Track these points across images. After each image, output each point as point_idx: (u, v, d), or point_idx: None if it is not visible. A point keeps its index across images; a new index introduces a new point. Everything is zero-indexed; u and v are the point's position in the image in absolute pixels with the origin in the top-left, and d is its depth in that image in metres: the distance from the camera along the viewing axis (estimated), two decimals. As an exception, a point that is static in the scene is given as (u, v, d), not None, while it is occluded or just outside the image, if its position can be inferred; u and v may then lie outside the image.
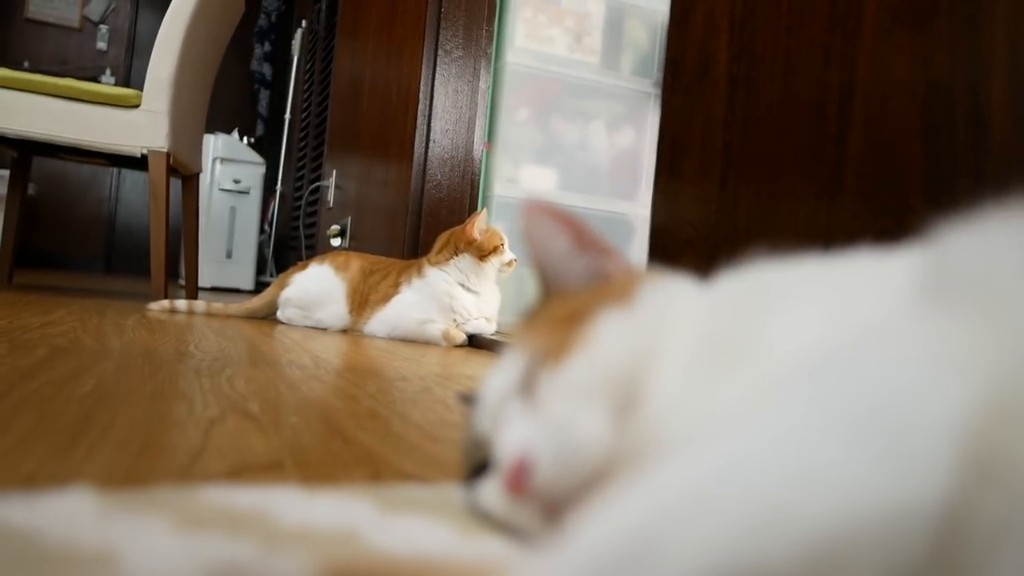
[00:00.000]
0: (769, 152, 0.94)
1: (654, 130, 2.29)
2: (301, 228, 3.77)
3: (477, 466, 0.37)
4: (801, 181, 0.89)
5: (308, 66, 4.24)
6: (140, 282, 3.70)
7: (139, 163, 2.18)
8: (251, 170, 4.15)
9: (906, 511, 0.20)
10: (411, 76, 2.25)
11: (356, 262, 1.87)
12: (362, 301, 1.81)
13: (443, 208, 2.16)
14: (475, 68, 2.19)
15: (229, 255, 4.09)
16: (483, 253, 1.73)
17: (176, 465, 0.47)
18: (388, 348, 1.50)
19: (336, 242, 2.83)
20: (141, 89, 2.11)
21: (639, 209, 2.30)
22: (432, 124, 2.16)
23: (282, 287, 1.89)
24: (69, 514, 0.32)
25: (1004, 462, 0.22)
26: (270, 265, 4.27)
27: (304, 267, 1.91)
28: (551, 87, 2.27)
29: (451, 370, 1.21)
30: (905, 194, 0.76)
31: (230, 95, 4.96)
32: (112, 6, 5.29)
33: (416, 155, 2.15)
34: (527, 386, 0.34)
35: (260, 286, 4.01)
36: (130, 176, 5.30)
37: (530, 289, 1.87)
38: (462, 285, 1.73)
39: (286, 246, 4.29)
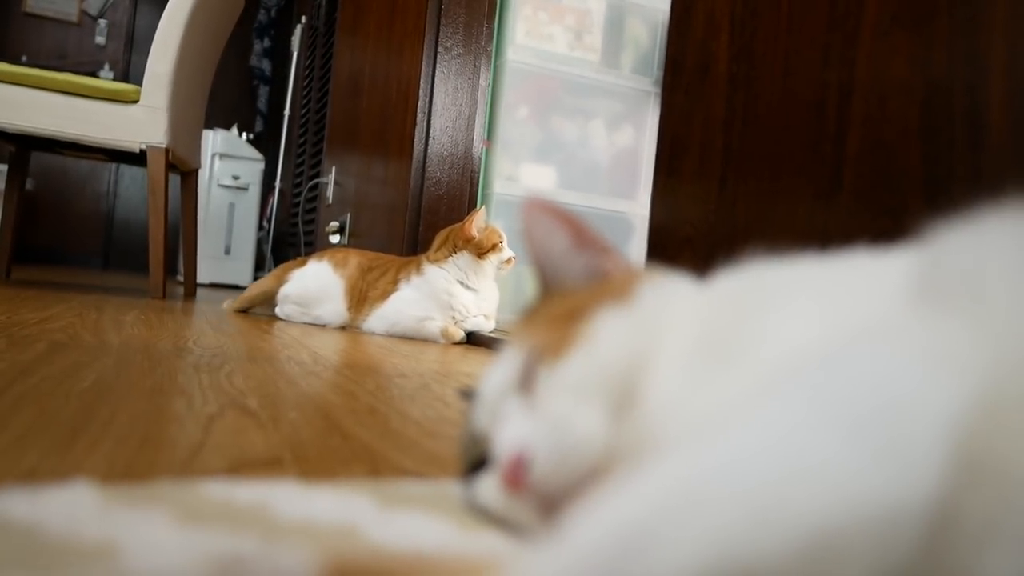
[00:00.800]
0: (768, 151, 0.94)
1: (654, 129, 2.30)
2: (300, 225, 3.77)
3: (475, 462, 0.37)
4: (800, 181, 0.89)
5: (308, 62, 4.24)
6: (138, 278, 3.70)
7: (138, 159, 2.18)
8: (250, 166, 4.14)
9: (900, 508, 0.20)
10: (411, 73, 2.25)
11: (355, 259, 1.88)
12: (361, 298, 1.81)
13: (442, 205, 2.16)
14: (475, 65, 2.19)
15: (228, 251, 4.09)
16: (482, 251, 1.73)
17: (176, 460, 0.47)
18: (386, 345, 1.51)
19: (335, 239, 2.83)
20: (140, 84, 2.11)
21: (638, 208, 2.30)
22: (432, 121, 2.16)
23: (280, 280, 1.89)
24: (70, 508, 0.32)
25: (995, 462, 0.23)
26: (268, 261, 4.27)
27: (303, 263, 1.91)
28: (551, 85, 2.27)
29: (450, 367, 1.21)
30: (903, 194, 0.76)
31: (229, 91, 4.95)
32: (111, 1, 5.28)
33: (416, 152, 2.15)
34: (525, 382, 0.34)
35: (258, 282, 3.99)
36: (128, 172, 5.29)
37: (529, 287, 1.87)
38: (461, 283, 1.74)
39: (285, 243, 4.29)
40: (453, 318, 1.73)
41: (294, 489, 0.39)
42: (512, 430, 0.33)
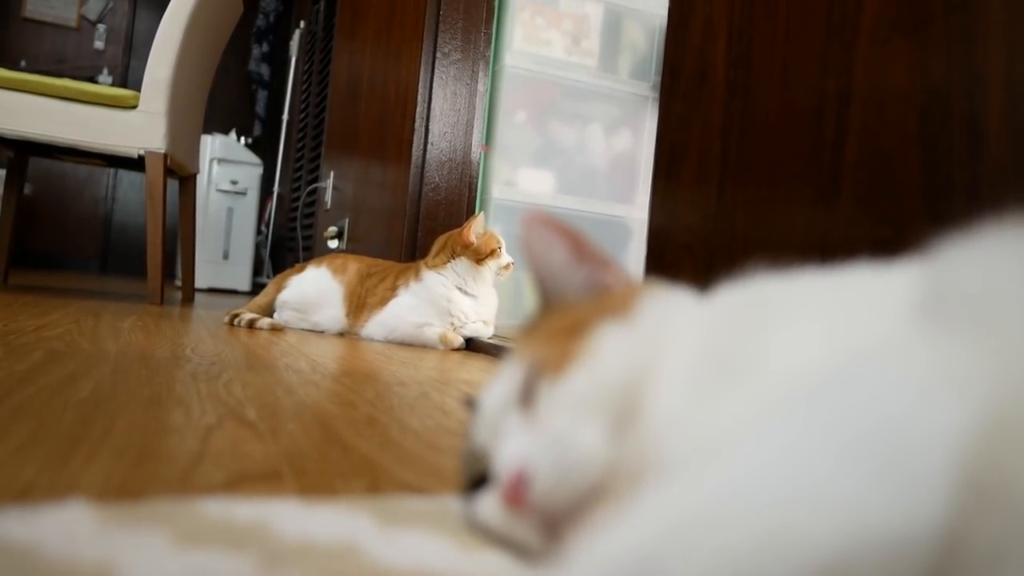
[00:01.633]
0: (766, 158, 0.94)
1: (651, 133, 2.30)
2: (298, 229, 3.77)
3: (475, 478, 0.37)
4: (798, 188, 0.89)
5: (306, 67, 4.24)
6: (136, 283, 3.69)
7: (136, 164, 2.18)
8: (248, 171, 4.14)
9: (904, 532, 0.20)
10: (409, 78, 2.25)
11: (353, 265, 1.87)
12: (359, 304, 1.81)
13: (441, 211, 2.16)
14: (473, 71, 2.19)
15: (226, 256, 4.09)
16: (480, 256, 1.73)
17: (174, 474, 0.47)
18: (385, 352, 1.50)
19: (333, 244, 2.83)
20: (138, 89, 2.11)
21: (636, 212, 2.30)
22: (430, 126, 2.16)
23: (280, 288, 1.89)
24: (68, 528, 0.32)
25: (1002, 482, 0.23)
26: (267, 266, 4.27)
27: (301, 269, 1.91)
28: (549, 90, 2.27)
29: (449, 375, 1.21)
30: (902, 202, 0.76)
31: (227, 96, 4.96)
32: (110, 5, 5.29)
33: (414, 157, 2.15)
34: (526, 398, 0.34)
35: (257, 287, 4.00)
36: (127, 176, 5.29)
37: (527, 293, 1.87)
38: (459, 288, 1.73)
39: (283, 247, 4.29)
40: (452, 324, 1.73)
41: (293, 506, 0.39)
42: (512, 447, 0.32)
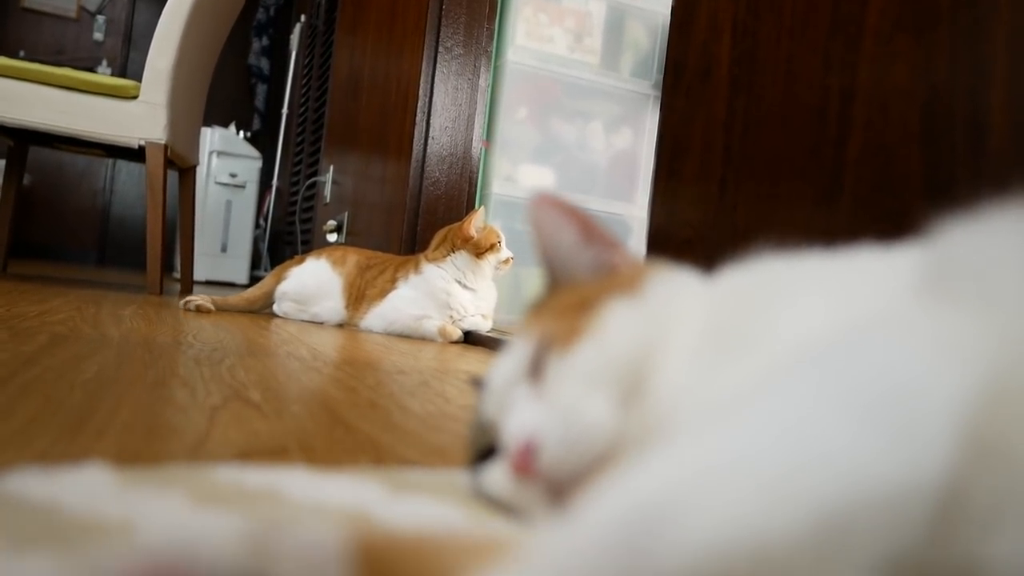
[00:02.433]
0: (769, 155, 0.95)
1: (652, 132, 2.31)
2: (297, 223, 3.77)
3: (483, 451, 0.38)
4: (801, 184, 0.90)
5: (307, 61, 4.24)
6: (134, 275, 3.69)
7: (135, 155, 2.18)
8: (247, 164, 4.14)
9: (909, 491, 0.21)
10: (411, 73, 2.25)
11: (353, 257, 1.88)
12: (358, 296, 1.81)
13: (441, 205, 2.16)
14: (475, 66, 2.20)
15: (224, 249, 4.09)
16: (480, 250, 1.74)
17: (183, 447, 0.48)
18: (384, 343, 1.51)
19: (332, 238, 2.83)
20: (138, 80, 2.10)
21: (635, 210, 2.31)
22: (431, 121, 2.16)
23: (279, 279, 1.89)
24: (87, 487, 0.32)
25: (1000, 447, 0.23)
26: (265, 260, 4.27)
27: (301, 261, 1.91)
28: (550, 87, 2.27)
29: (448, 365, 1.22)
30: (904, 199, 0.77)
31: (227, 89, 4.95)
32: (110, -3, 5.27)
33: (415, 152, 2.15)
34: (535, 371, 0.35)
35: (255, 280, 4.00)
36: (125, 167, 5.28)
37: (526, 287, 1.87)
38: (459, 282, 1.74)
39: (282, 241, 4.28)
40: (451, 317, 1.73)
41: (303, 474, 0.40)
42: (521, 417, 0.33)
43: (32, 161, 3.66)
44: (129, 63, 5.27)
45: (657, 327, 0.34)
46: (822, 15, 0.90)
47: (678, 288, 0.37)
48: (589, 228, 0.41)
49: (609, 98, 2.33)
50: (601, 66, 2.32)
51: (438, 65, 2.16)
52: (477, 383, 0.47)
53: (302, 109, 4.20)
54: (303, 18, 4.33)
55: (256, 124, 5.25)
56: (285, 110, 4.38)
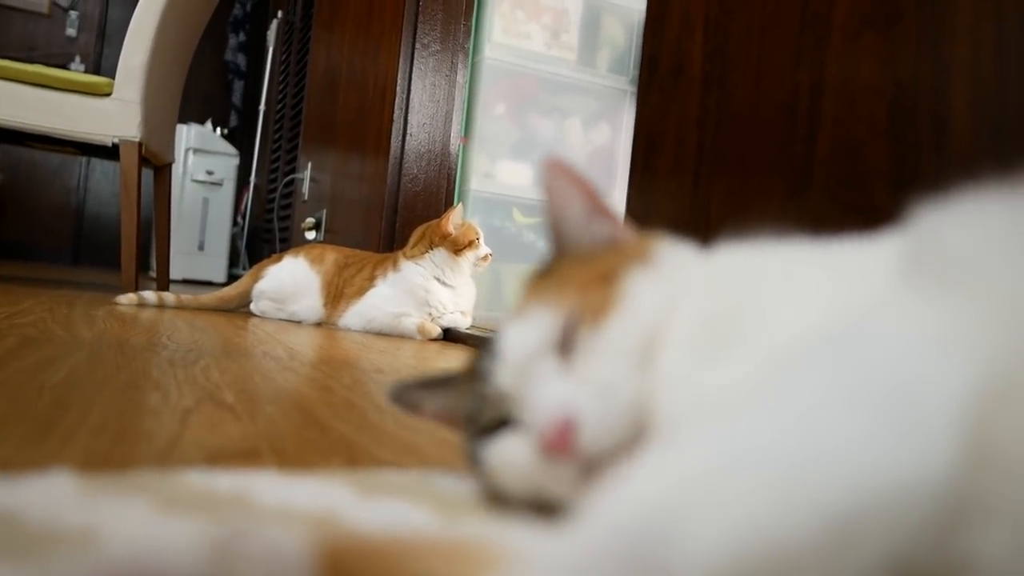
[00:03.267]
0: (741, 150, 0.96)
1: (629, 127, 2.31)
2: (275, 221, 3.74)
3: (490, 424, 0.37)
4: (772, 178, 0.91)
5: (283, 57, 4.21)
6: (109, 273, 3.64)
7: (110, 152, 2.15)
8: (224, 161, 4.10)
9: (918, 489, 0.21)
10: (388, 69, 2.24)
11: (331, 255, 1.87)
12: (337, 294, 1.80)
13: (419, 202, 2.16)
14: (452, 62, 2.19)
15: (201, 247, 4.05)
16: (458, 247, 1.73)
17: (153, 451, 0.48)
18: (363, 341, 1.50)
19: (311, 235, 2.81)
20: (111, 77, 2.08)
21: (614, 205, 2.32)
22: (409, 118, 2.16)
23: (256, 278, 1.88)
24: (50, 496, 0.32)
25: (1000, 443, 0.23)
26: (243, 258, 4.23)
27: (279, 259, 1.90)
28: (528, 83, 2.27)
29: (426, 363, 1.22)
30: (871, 193, 0.78)
31: (203, 85, 4.89)
32: (82, -8, 5.19)
33: (393, 149, 2.14)
34: (565, 345, 0.34)
35: (232, 279, 3.96)
36: (99, 165, 5.21)
37: (506, 283, 1.87)
38: (437, 279, 1.74)
39: (260, 239, 4.25)
40: (430, 314, 1.73)
41: (273, 478, 0.40)
42: (553, 392, 0.32)
43: (3, 159, 3.61)
44: (103, 59, 5.19)
45: (670, 297, 0.34)
46: (791, 12, 0.90)
47: (682, 257, 0.37)
48: (597, 200, 0.41)
49: (586, 94, 2.33)
50: (578, 62, 2.33)
51: (415, 62, 2.16)
52: (397, 397, 0.46)
53: (279, 106, 4.17)
54: (280, 14, 4.29)
55: (233, 121, 5.20)
56: (262, 106, 4.34)
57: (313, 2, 3.52)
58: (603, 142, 2.37)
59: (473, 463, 0.39)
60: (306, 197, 3.18)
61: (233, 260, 4.26)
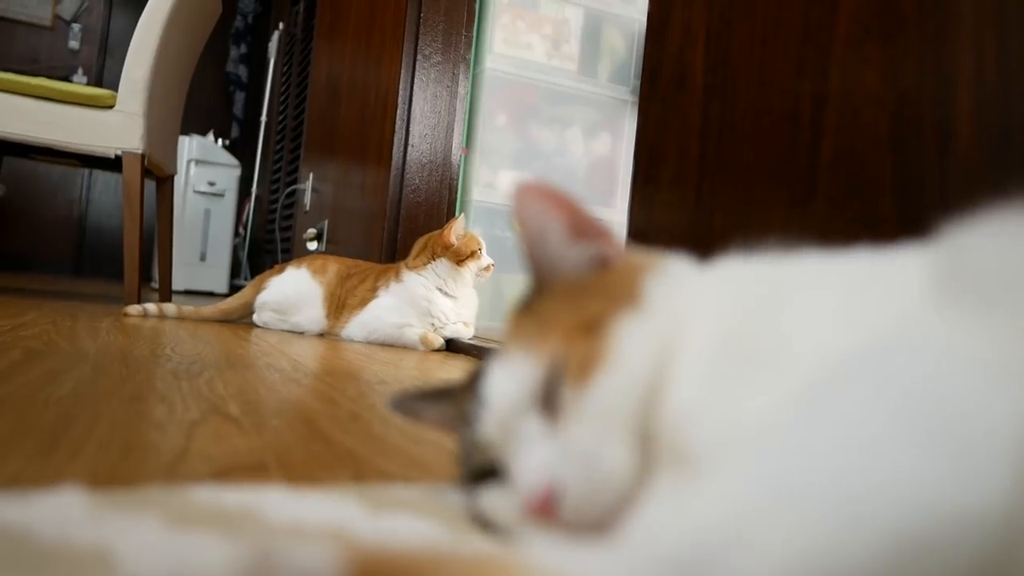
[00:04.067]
0: (744, 160, 0.96)
1: (630, 137, 2.32)
2: (277, 231, 3.75)
3: (479, 470, 0.36)
4: (775, 189, 0.91)
5: (285, 69, 4.22)
6: (111, 285, 3.65)
7: (112, 164, 2.16)
8: (226, 172, 4.11)
9: (977, 516, 0.21)
10: (390, 80, 2.25)
11: (333, 266, 1.87)
12: (339, 305, 1.80)
13: (421, 213, 2.16)
14: (454, 73, 2.20)
15: (203, 258, 4.05)
16: (460, 258, 1.74)
17: (161, 466, 0.47)
18: (366, 352, 1.50)
19: (312, 246, 2.82)
20: (114, 89, 2.09)
21: (615, 215, 2.32)
22: (411, 129, 2.16)
23: (258, 289, 1.88)
24: (61, 512, 0.32)
25: None
26: (244, 268, 4.24)
27: (281, 270, 1.90)
28: (529, 93, 2.28)
29: (429, 374, 1.22)
30: (875, 203, 0.78)
31: (205, 97, 4.91)
32: (85, 5, 5.22)
33: (394, 159, 2.15)
34: (547, 402, 0.32)
35: (234, 289, 3.96)
36: (102, 177, 5.22)
37: (508, 294, 1.87)
38: (440, 289, 1.74)
39: (261, 249, 4.26)
40: (432, 325, 1.73)
41: (282, 493, 0.40)
42: (536, 458, 0.31)
43: (5, 171, 3.61)
44: (105, 72, 5.22)
45: (666, 337, 0.32)
46: (793, 21, 0.91)
47: (678, 285, 0.34)
48: (579, 219, 0.37)
49: (587, 104, 2.34)
50: (579, 72, 2.33)
51: (417, 73, 2.17)
52: (400, 406, 0.45)
53: (281, 117, 4.18)
54: (281, 26, 4.31)
55: (235, 132, 5.22)
56: (264, 118, 4.36)
57: (314, 14, 3.53)
58: (604, 152, 2.38)
59: (471, 513, 0.38)
60: (307, 208, 3.18)
61: (235, 271, 4.26)
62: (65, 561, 0.27)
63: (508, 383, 0.34)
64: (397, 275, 1.77)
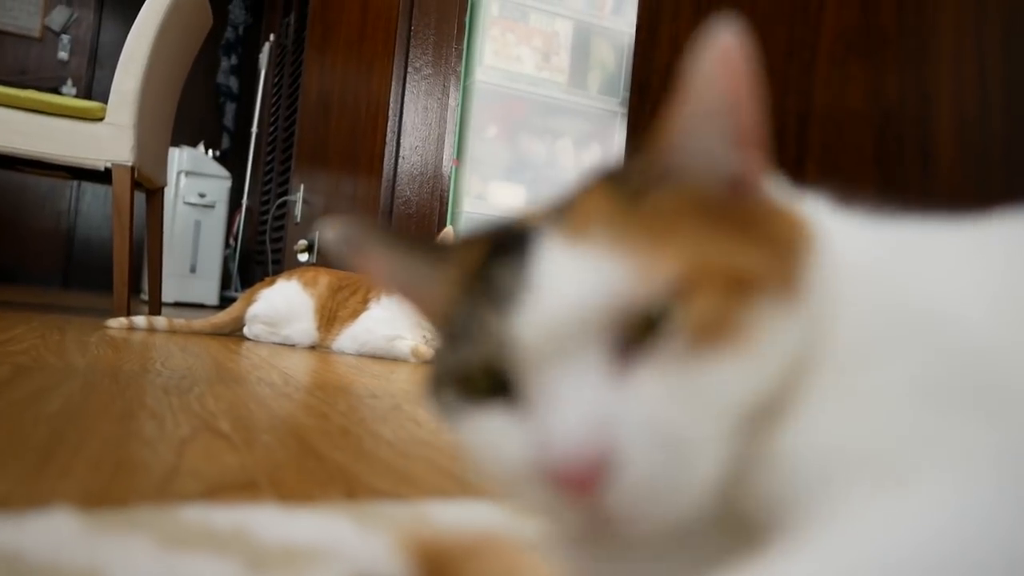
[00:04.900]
0: (731, 175, 0.97)
1: (621, 148, 2.33)
2: (267, 243, 3.74)
3: (469, 376, 0.26)
4: (762, 203, 0.92)
5: (276, 80, 4.23)
6: (99, 297, 3.63)
7: (101, 176, 2.15)
8: (216, 184, 4.11)
9: None
10: (380, 93, 2.26)
11: (325, 278, 1.87)
12: (330, 317, 1.81)
13: (412, 224, 2.17)
14: (444, 86, 2.21)
15: (193, 270, 4.04)
16: (452, 269, 1.74)
17: (151, 484, 0.48)
18: (356, 365, 1.50)
19: (303, 257, 2.82)
20: (103, 100, 2.09)
21: (606, 226, 2.33)
22: (401, 140, 2.17)
23: (249, 302, 1.88)
24: (52, 534, 0.32)
25: None
26: (235, 280, 4.23)
27: (272, 283, 1.90)
28: (519, 105, 2.30)
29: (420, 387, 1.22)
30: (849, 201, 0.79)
31: (196, 108, 4.91)
32: (74, 16, 5.22)
33: (385, 171, 2.16)
34: (634, 338, 0.23)
35: (225, 301, 3.96)
36: (91, 188, 5.20)
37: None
38: (431, 301, 1.74)
39: (252, 261, 4.25)
40: (423, 337, 1.73)
41: (273, 512, 0.40)
42: (592, 403, 0.22)
43: (-6, 183, 3.60)
44: (95, 82, 5.21)
45: (809, 346, 0.24)
46: (778, 38, 0.92)
47: (838, 275, 0.26)
48: (756, 122, 0.27)
49: (578, 115, 2.36)
50: (569, 84, 2.35)
51: (407, 85, 2.18)
52: (352, 237, 0.29)
53: (272, 128, 4.18)
54: (272, 37, 4.32)
55: (225, 143, 5.21)
56: (255, 129, 4.36)
57: (305, 26, 3.55)
58: (595, 162, 2.39)
59: (443, 417, 0.28)
60: (298, 219, 3.18)
61: (225, 282, 4.25)
62: (58, 585, 0.28)
63: (583, 284, 0.23)
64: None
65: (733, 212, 0.26)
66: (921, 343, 0.24)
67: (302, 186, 3.21)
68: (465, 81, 2.24)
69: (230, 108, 5.26)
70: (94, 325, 1.83)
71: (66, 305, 2.77)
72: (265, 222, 3.90)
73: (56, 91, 4.84)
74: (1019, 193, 0.67)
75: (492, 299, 0.25)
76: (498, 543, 0.22)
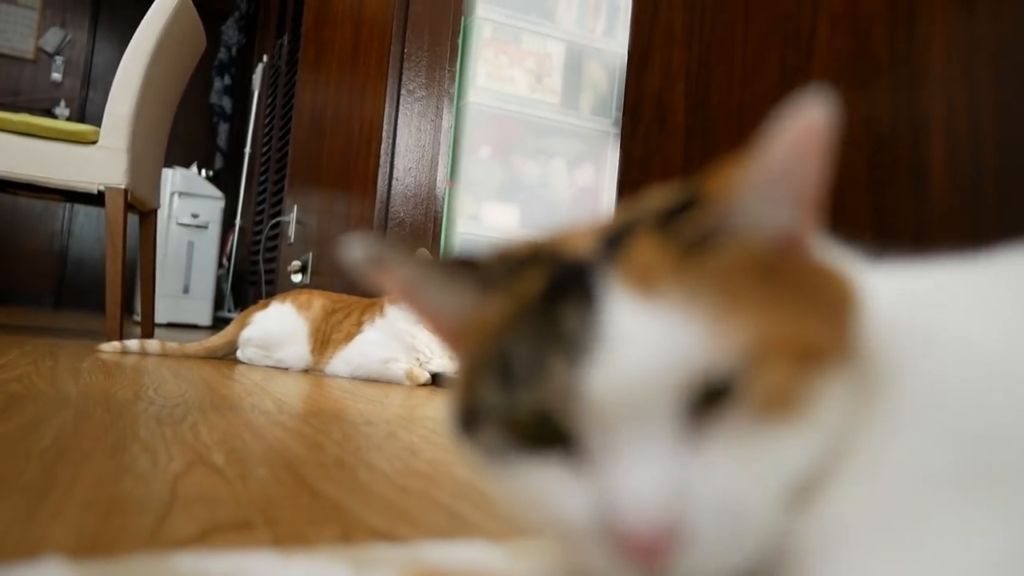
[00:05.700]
0: (725, 199, 0.98)
1: (613, 168, 2.34)
2: (261, 263, 3.73)
3: (516, 420, 0.25)
4: (756, 228, 0.92)
5: (269, 100, 4.24)
6: (92, 318, 3.61)
7: (94, 198, 2.15)
8: (210, 204, 4.11)
9: None
10: (374, 114, 2.27)
11: (318, 301, 1.87)
12: (324, 340, 1.80)
13: (406, 246, 2.16)
14: (438, 107, 2.22)
15: (186, 290, 4.03)
16: (446, 291, 1.74)
17: (145, 527, 0.47)
18: (351, 389, 1.50)
19: (297, 278, 2.81)
20: (96, 121, 2.09)
21: (600, 246, 2.34)
22: (395, 162, 2.18)
23: (242, 325, 1.87)
24: (44, 590, 0.32)
25: None
26: (228, 300, 4.21)
27: (265, 306, 1.89)
28: (513, 126, 2.31)
29: (415, 412, 1.21)
30: (853, 244, 0.80)
31: (189, 128, 4.92)
32: (68, 38, 5.23)
33: (379, 192, 2.16)
34: (697, 409, 0.24)
35: (218, 321, 3.95)
36: (83, 210, 5.19)
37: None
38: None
39: (245, 281, 4.24)
40: (417, 359, 1.73)
41: (268, 558, 0.39)
42: (664, 474, 0.23)
43: (-14, 206, 3.58)
44: (88, 104, 5.22)
45: (859, 409, 0.25)
46: (771, 65, 0.93)
47: (886, 340, 0.26)
48: (819, 188, 0.27)
49: (570, 136, 2.37)
50: (562, 105, 2.36)
51: (401, 106, 2.18)
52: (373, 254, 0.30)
53: (265, 148, 4.19)
54: (265, 58, 4.34)
55: (218, 163, 5.22)
56: (248, 149, 4.36)
57: (299, 47, 3.56)
58: (587, 183, 2.40)
59: (481, 458, 0.27)
60: (292, 240, 3.18)
61: (218, 303, 4.24)
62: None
63: (662, 347, 0.23)
64: (381, 310, 1.77)
65: (785, 270, 0.26)
66: (957, 419, 0.24)
67: (296, 206, 3.21)
68: (458, 102, 2.25)
69: (223, 128, 5.27)
70: (87, 348, 1.81)
71: (59, 327, 2.76)
72: (259, 242, 3.90)
73: (49, 112, 4.85)
74: (1011, 219, 0.68)
75: (559, 346, 0.24)
76: None
